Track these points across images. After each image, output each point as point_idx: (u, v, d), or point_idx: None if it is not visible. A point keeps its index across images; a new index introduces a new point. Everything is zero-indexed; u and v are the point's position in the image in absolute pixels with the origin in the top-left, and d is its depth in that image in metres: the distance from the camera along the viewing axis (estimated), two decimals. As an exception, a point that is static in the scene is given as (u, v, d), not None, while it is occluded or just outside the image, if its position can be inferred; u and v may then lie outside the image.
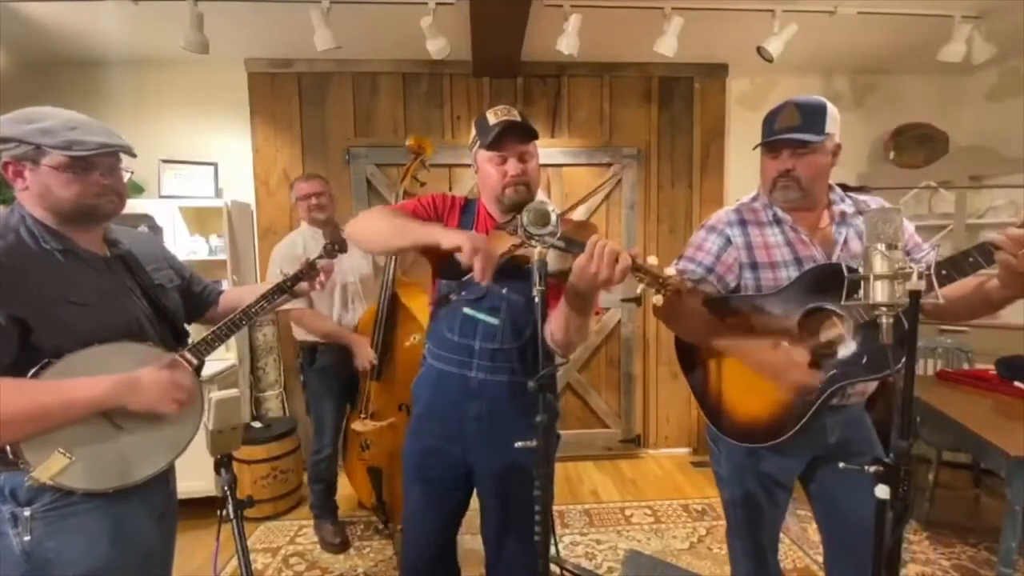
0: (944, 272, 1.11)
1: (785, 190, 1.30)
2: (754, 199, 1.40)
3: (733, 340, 1.32)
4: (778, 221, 1.34)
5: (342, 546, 2.45)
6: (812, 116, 1.25)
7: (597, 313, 1.26)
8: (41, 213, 1.02)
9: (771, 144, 1.29)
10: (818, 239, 1.32)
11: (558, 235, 1.02)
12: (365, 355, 2.20)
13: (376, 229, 1.25)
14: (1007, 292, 1.12)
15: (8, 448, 0.93)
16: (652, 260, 1.02)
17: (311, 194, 2.28)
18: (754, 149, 1.36)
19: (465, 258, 1.06)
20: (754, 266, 1.33)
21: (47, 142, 0.98)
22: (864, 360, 1.22)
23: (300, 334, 2.41)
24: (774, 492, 1.38)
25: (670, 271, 0.99)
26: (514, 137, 1.25)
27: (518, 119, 1.25)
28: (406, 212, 1.31)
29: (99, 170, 1.03)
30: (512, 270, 1.21)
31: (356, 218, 1.31)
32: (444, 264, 1.33)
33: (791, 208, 1.33)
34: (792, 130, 1.25)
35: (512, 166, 1.26)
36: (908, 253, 1.28)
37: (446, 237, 1.11)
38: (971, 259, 1.10)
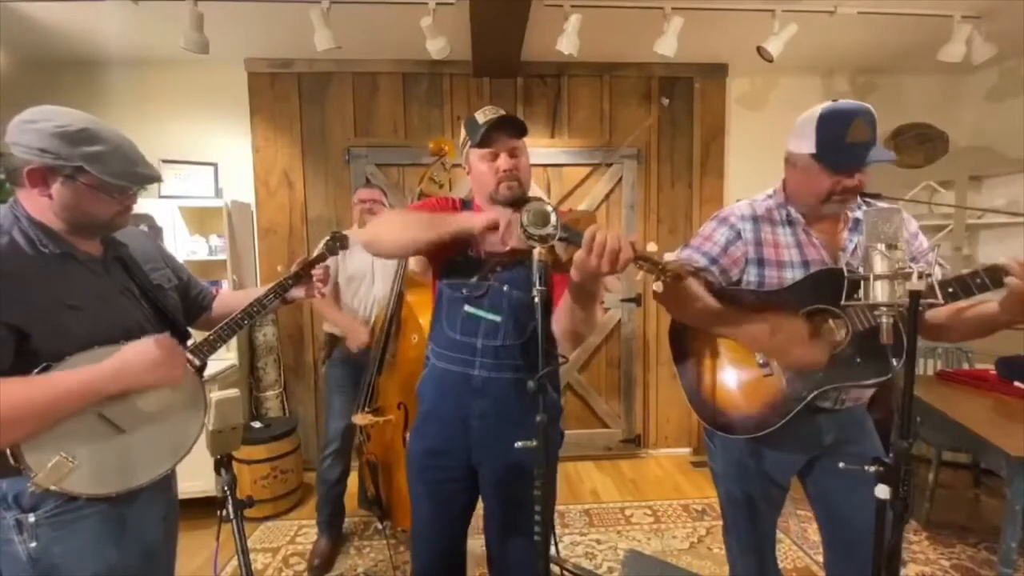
0: (951, 290, 1.11)
1: (842, 203, 1.26)
2: (768, 197, 1.39)
3: (733, 323, 1.32)
4: (791, 222, 1.33)
5: (316, 570, 2.32)
6: (875, 128, 1.19)
7: (601, 304, 1.27)
8: (51, 219, 1.01)
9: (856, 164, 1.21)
10: (830, 244, 1.32)
11: (559, 230, 1.02)
12: (355, 338, 2.29)
13: (401, 229, 1.24)
14: (1006, 316, 1.12)
15: (9, 453, 0.92)
16: (652, 247, 1.02)
17: (365, 200, 2.41)
18: (837, 170, 1.22)
19: (502, 231, 1.10)
20: (760, 263, 1.33)
21: (95, 169, 0.98)
22: (858, 366, 1.22)
23: (327, 325, 2.51)
24: (769, 489, 1.39)
25: (669, 257, 1.00)
26: (503, 133, 1.26)
27: (506, 114, 1.27)
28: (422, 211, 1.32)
29: (129, 192, 1.06)
30: (513, 266, 1.21)
31: (373, 223, 1.32)
32: (445, 264, 1.33)
33: (826, 216, 1.31)
34: (868, 147, 1.19)
35: (503, 161, 1.26)
36: (914, 259, 1.27)
37: (475, 220, 1.15)
38: (979, 280, 1.10)
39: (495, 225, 1.12)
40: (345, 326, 2.35)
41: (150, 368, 1.01)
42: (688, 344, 1.44)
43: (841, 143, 1.19)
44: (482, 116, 1.26)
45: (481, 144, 1.26)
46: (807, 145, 1.23)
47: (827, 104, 1.24)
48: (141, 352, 1.01)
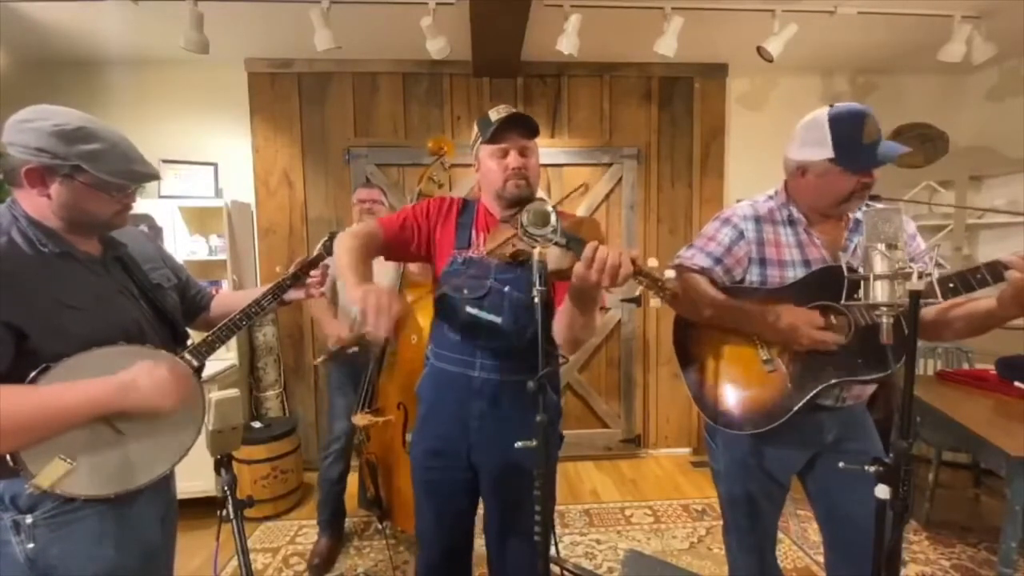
0: (952, 286, 1.12)
1: (861, 199, 1.27)
2: (770, 198, 1.40)
3: (747, 315, 1.32)
4: (792, 222, 1.34)
5: (315, 569, 2.33)
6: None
7: (602, 308, 1.27)
8: (49, 218, 1.00)
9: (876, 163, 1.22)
10: (831, 244, 1.32)
11: (559, 235, 1.02)
12: (331, 332, 2.30)
13: (340, 262, 1.25)
14: (1005, 311, 1.13)
15: (8, 455, 0.92)
16: (652, 262, 1.02)
17: (364, 200, 2.41)
18: (857, 171, 1.22)
19: (360, 314, 1.05)
20: (762, 262, 1.34)
21: (93, 167, 0.97)
22: (860, 362, 1.23)
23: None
24: (770, 488, 1.39)
25: (669, 274, 1.00)
26: (515, 131, 1.27)
27: (518, 113, 1.28)
28: (392, 228, 1.32)
29: (127, 190, 1.06)
30: (514, 268, 1.21)
31: (339, 239, 1.30)
32: (445, 267, 1.33)
33: (831, 217, 1.32)
34: (879, 144, 1.20)
35: (513, 159, 1.27)
36: (912, 260, 1.28)
37: (352, 292, 1.11)
38: (979, 275, 1.11)
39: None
40: (325, 325, 2.36)
41: (160, 394, 1.01)
42: (692, 343, 1.45)
43: (858, 144, 1.20)
44: (495, 114, 1.27)
45: (492, 140, 1.27)
46: (821, 151, 1.23)
47: (829, 109, 1.23)
48: (154, 376, 1.01)
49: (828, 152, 1.22)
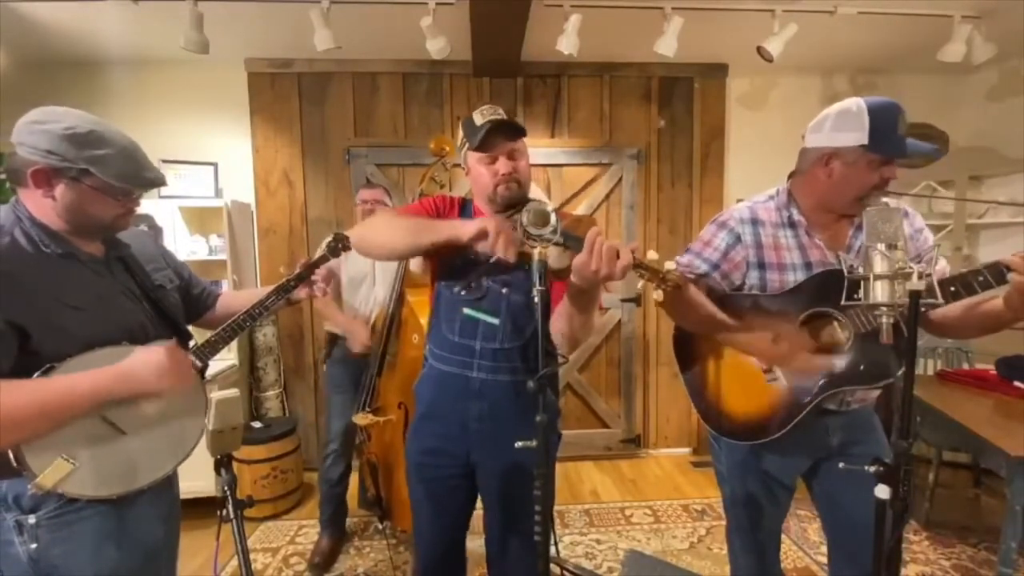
0: (953, 289, 1.11)
1: (878, 195, 1.25)
2: (770, 198, 1.37)
3: (735, 331, 1.31)
4: (792, 224, 1.32)
5: (316, 568, 2.34)
6: None
7: (601, 308, 1.27)
8: (53, 219, 1.00)
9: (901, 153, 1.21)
10: (832, 245, 1.30)
11: (558, 234, 1.02)
12: (357, 339, 2.28)
13: (390, 233, 1.23)
14: (1010, 314, 1.12)
15: (11, 455, 0.92)
16: (652, 255, 1.02)
17: (367, 200, 2.41)
18: (889, 157, 1.22)
19: (491, 241, 1.06)
20: (761, 266, 1.32)
21: (100, 171, 0.98)
22: (862, 368, 1.22)
23: (328, 324, 2.51)
24: (775, 490, 1.39)
25: (670, 265, 1.00)
26: (502, 136, 1.24)
27: (504, 117, 1.25)
28: (417, 214, 1.31)
29: (133, 195, 1.07)
30: (512, 269, 1.21)
31: (363, 224, 1.29)
32: (443, 266, 1.33)
33: (842, 217, 1.30)
34: (906, 139, 1.19)
35: (502, 164, 1.25)
36: (919, 255, 1.27)
37: (465, 229, 1.12)
38: (981, 278, 1.09)
39: (484, 235, 1.08)
40: (345, 327, 2.35)
41: (159, 376, 1.01)
42: (693, 351, 1.43)
43: (893, 132, 1.18)
44: (480, 117, 1.24)
45: (480, 148, 1.25)
46: (855, 137, 1.19)
47: (863, 99, 1.21)
48: (151, 359, 1.01)
49: (863, 138, 1.18)
